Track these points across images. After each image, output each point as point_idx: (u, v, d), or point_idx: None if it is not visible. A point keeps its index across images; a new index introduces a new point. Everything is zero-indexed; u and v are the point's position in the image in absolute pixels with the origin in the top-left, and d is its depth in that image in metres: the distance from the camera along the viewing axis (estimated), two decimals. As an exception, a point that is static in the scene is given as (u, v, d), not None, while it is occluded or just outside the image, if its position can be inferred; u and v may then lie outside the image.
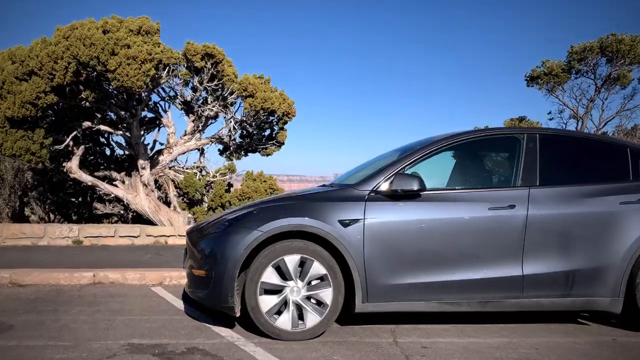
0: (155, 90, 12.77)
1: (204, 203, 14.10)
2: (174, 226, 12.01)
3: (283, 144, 15.02)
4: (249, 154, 15.39)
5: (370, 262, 4.23)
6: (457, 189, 4.93)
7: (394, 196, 4.47)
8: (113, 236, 11.48)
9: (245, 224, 4.25)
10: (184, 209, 13.74)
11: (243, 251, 4.08)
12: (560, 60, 17.76)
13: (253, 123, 14.13)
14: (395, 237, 4.35)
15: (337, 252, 4.20)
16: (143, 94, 12.34)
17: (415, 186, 4.38)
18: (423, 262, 4.38)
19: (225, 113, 14.04)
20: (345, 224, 4.24)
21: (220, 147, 15.15)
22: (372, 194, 4.46)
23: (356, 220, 4.28)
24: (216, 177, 14.30)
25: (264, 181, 14.56)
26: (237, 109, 14.43)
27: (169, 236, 11.60)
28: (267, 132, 15.20)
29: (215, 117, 14.55)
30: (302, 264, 4.18)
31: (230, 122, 14.16)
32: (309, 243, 4.20)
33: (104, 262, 8.13)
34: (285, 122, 14.64)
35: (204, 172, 14.52)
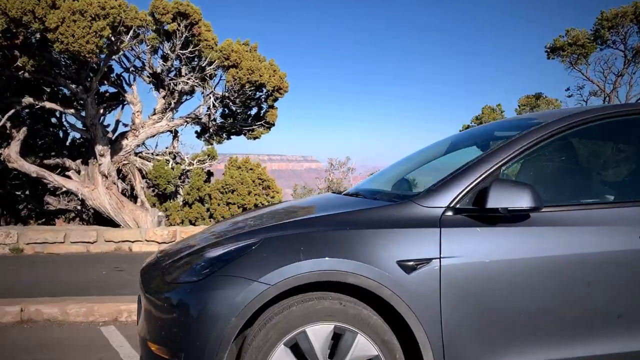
0: (114, 58, 10.26)
1: (178, 196, 11.71)
2: (141, 228, 9.65)
3: (273, 125, 12.65)
4: (232, 136, 12.99)
5: (452, 332, 2.42)
6: (591, 204, 2.87)
7: (489, 218, 2.51)
8: (63, 242, 9.14)
9: (238, 270, 2.37)
10: (154, 205, 11.35)
11: (235, 321, 2.28)
12: (586, 30, 15.67)
13: (237, 100, 11.71)
14: (495, 287, 2.50)
15: (395, 315, 2.38)
16: (99, 63, 9.81)
17: (527, 201, 2.41)
18: (545, 328, 2.54)
19: (203, 87, 11.59)
20: (408, 267, 2.38)
21: (198, 128, 12.73)
22: (449, 215, 2.53)
23: (427, 261, 2.41)
24: (193, 164, 11.90)
25: (251, 169, 12.20)
26: (218, 82, 12.00)
27: (133, 242, 9.27)
28: (254, 110, 12.81)
29: (191, 92, 12.10)
30: (336, 338, 2.35)
31: (210, 98, 11.72)
32: (347, 301, 2.39)
33: (42, 285, 6.24)
34: (276, 99, 12.25)
35: (178, 159, 12.11)
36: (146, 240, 9.29)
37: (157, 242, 9.28)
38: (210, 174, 12.77)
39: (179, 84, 11.31)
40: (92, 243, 9.19)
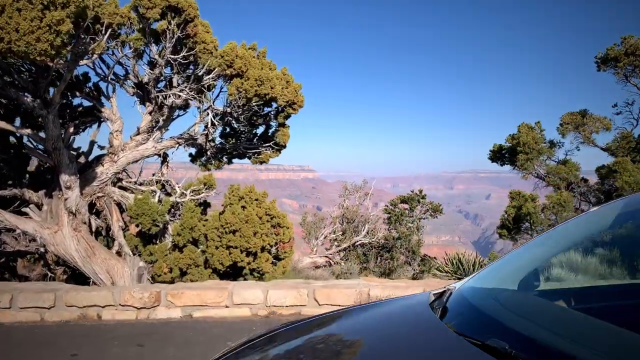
0: (86, 63, 7.97)
1: (166, 237, 9.40)
2: (115, 287, 7.34)
3: (284, 146, 10.38)
4: (233, 160, 10.73)
5: None
6: None
7: None
8: (9, 307, 6.89)
9: None
10: (135, 248, 9.04)
11: None
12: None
13: (241, 117, 9.45)
14: None
15: None
16: (62, 69, 7.54)
17: None
18: None
19: (200, 101, 9.34)
20: None
21: (193, 150, 10.47)
22: None
23: None
24: (185, 195, 9.60)
25: (256, 200, 9.89)
26: (217, 95, 9.78)
27: (104, 306, 6.98)
28: (261, 129, 10.55)
29: (185, 107, 9.87)
30: None
31: (207, 114, 9.47)
32: None
33: None
34: (288, 116, 10.00)
35: (167, 189, 9.81)
36: (120, 305, 6.98)
37: (134, 307, 6.97)
38: (206, 204, 10.48)
39: (170, 96, 9.05)
40: (48, 309, 6.90)
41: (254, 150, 10.28)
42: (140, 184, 9.60)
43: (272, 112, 10.13)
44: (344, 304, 7.29)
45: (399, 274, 15.22)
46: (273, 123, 10.38)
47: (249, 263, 9.23)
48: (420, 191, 16.13)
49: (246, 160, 10.97)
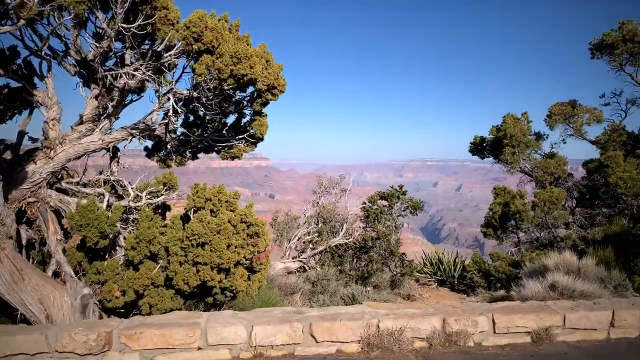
0: (9, 29, 6.11)
1: (117, 250, 7.65)
2: (51, 325, 5.62)
3: (261, 139, 8.75)
4: (199, 155, 9.03)
5: None
6: None
7: None
8: None
9: None
10: (79, 265, 7.27)
11: None
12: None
13: (211, 103, 7.76)
14: None
15: None
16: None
17: None
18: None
19: (159, 83, 7.58)
20: None
21: (149, 143, 8.70)
22: None
23: None
24: (141, 199, 7.86)
25: (226, 202, 8.24)
26: (180, 76, 8.02)
27: (34, 355, 5.24)
28: (232, 118, 8.87)
29: (140, 90, 8.10)
30: None
31: (168, 99, 7.73)
32: None
33: None
34: (266, 103, 8.36)
35: (119, 191, 8.04)
36: (58, 352, 5.26)
37: (77, 354, 5.26)
38: (166, 209, 8.75)
39: (121, 76, 7.26)
40: (-45, 359, 5.11)
41: (224, 144, 8.60)
42: (85, 186, 7.78)
43: (247, 98, 8.47)
44: (347, 340, 5.82)
45: (377, 277, 13.90)
46: (247, 111, 8.72)
47: (220, 281, 7.61)
48: (401, 187, 14.81)
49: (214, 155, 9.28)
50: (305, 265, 12.55)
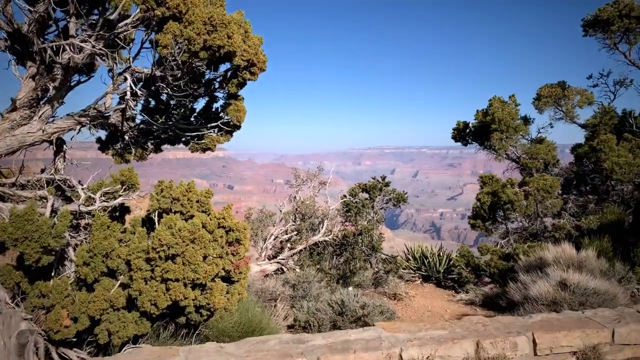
0: None
1: (66, 265, 6.22)
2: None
3: (238, 127, 7.43)
4: (163, 146, 7.63)
5: None
6: None
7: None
8: None
9: None
10: (17, 286, 5.82)
11: None
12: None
13: (178, 83, 6.39)
14: None
15: None
16: None
17: None
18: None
19: (113, 59, 6.15)
20: None
21: (103, 134, 7.24)
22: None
23: None
24: (94, 201, 6.44)
25: (197, 202, 6.92)
26: (139, 51, 6.62)
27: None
28: (202, 102, 7.51)
29: (90, 68, 6.66)
30: None
31: (125, 80, 6.32)
32: None
33: None
34: (243, 84, 7.04)
35: (66, 194, 6.59)
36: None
37: (11, 419, 3.88)
38: (126, 210, 7.34)
39: (64, 50, 5.80)
40: None
41: (193, 133, 7.23)
42: (22, 187, 6.29)
43: (219, 79, 7.13)
44: (365, 376, 4.64)
45: (359, 276, 12.79)
46: (220, 94, 7.37)
47: (195, 298, 6.30)
48: (383, 178, 13.70)
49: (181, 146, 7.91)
50: (283, 267, 11.31)
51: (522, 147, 13.41)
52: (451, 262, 14.13)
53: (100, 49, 5.96)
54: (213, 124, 7.16)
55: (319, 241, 12.06)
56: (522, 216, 13.03)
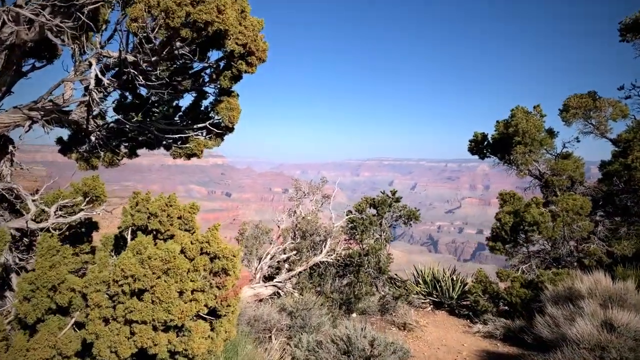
0: None
1: (7, 297, 4.89)
2: None
3: (231, 129, 6.14)
4: (139, 150, 6.32)
5: None
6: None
7: None
8: None
9: None
10: None
11: None
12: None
13: (156, 73, 5.10)
14: None
15: None
16: None
17: None
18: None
19: (73, 39, 4.87)
20: None
21: (65, 133, 5.95)
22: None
23: None
24: (48, 217, 5.13)
25: (179, 218, 5.60)
26: (113, 33, 5.34)
27: None
28: (189, 99, 6.21)
29: (51, 52, 5.37)
30: None
31: (90, 64, 5.03)
32: None
33: None
34: (239, 77, 5.75)
35: (16, 206, 5.29)
36: None
37: None
38: (92, 227, 6.01)
39: (5, 23, 4.52)
40: None
41: (176, 135, 5.93)
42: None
43: (209, 70, 5.84)
44: None
45: (366, 302, 11.46)
46: (210, 89, 6.09)
47: (169, 342, 4.97)
48: (394, 193, 12.40)
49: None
50: (280, 290, 9.97)
51: (547, 163, 12.16)
52: (466, 288, 12.83)
53: (57, 26, 4.67)
54: (200, 125, 5.86)
55: (320, 262, 10.73)
56: (546, 239, 11.73)
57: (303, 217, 10.62)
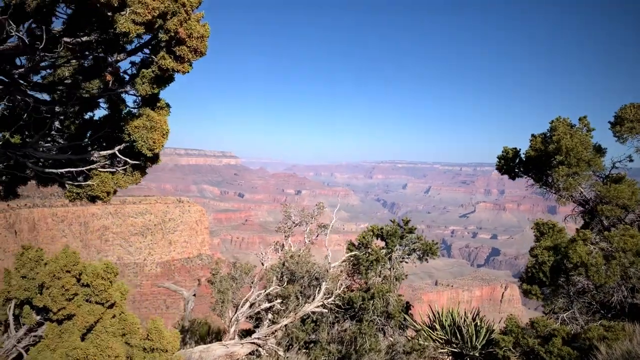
0: None
1: None
2: None
3: (154, 159, 4.00)
4: (21, 187, 4.23)
5: None
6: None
7: None
8: None
9: None
10: None
11: None
12: None
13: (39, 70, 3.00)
14: None
15: None
16: None
17: None
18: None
19: None
20: None
21: None
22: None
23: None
24: None
25: (85, 286, 3.53)
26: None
27: None
28: (99, 113, 4.11)
29: None
30: None
31: None
32: None
33: None
34: (168, 78, 3.62)
35: None
36: None
37: None
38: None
39: None
40: None
41: (73, 168, 3.83)
42: None
43: (132, 70, 3.75)
44: None
45: (371, 356, 9.29)
46: (129, 97, 3.99)
47: None
48: (406, 222, 10.21)
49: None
50: (260, 348, 7.85)
51: (594, 186, 9.94)
52: (492, 335, 10.62)
53: None
54: (105, 153, 3.76)
55: (312, 311, 8.60)
56: (595, 285, 9.49)
57: (291, 255, 8.48)
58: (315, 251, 9.30)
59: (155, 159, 3.94)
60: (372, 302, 9.31)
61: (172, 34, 3.41)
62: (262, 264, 8.66)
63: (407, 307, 11.61)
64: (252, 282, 8.24)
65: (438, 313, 11.32)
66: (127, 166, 3.89)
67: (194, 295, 11.25)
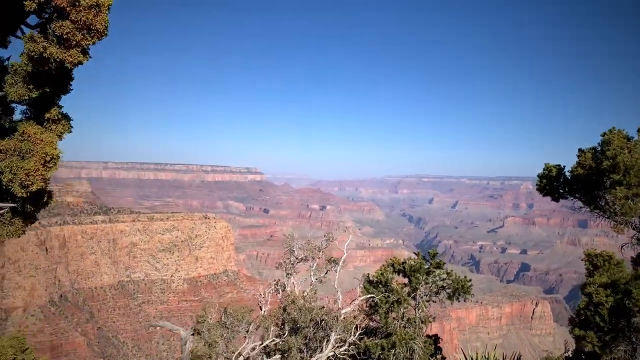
0: None
1: None
2: None
3: (37, 198, 2.60)
4: None
5: None
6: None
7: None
8: None
9: None
10: None
11: None
12: None
13: None
14: None
15: None
16: None
17: None
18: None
19: None
20: None
21: None
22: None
23: None
24: None
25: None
26: None
27: None
28: None
29: None
30: None
31: None
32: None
33: None
34: (57, 74, 2.30)
35: None
36: None
37: None
38: None
39: None
40: None
41: None
42: None
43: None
44: None
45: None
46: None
47: None
48: (433, 256, 8.66)
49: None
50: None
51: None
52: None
53: None
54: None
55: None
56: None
57: (293, 300, 7.02)
58: (323, 290, 7.83)
59: (37, 199, 2.59)
60: (393, 351, 7.76)
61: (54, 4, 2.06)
62: (261, 309, 7.22)
63: (436, 343, 10.03)
64: (248, 331, 6.83)
65: (472, 358, 9.70)
66: (3, 211, 2.55)
67: (192, 334, 9.85)
